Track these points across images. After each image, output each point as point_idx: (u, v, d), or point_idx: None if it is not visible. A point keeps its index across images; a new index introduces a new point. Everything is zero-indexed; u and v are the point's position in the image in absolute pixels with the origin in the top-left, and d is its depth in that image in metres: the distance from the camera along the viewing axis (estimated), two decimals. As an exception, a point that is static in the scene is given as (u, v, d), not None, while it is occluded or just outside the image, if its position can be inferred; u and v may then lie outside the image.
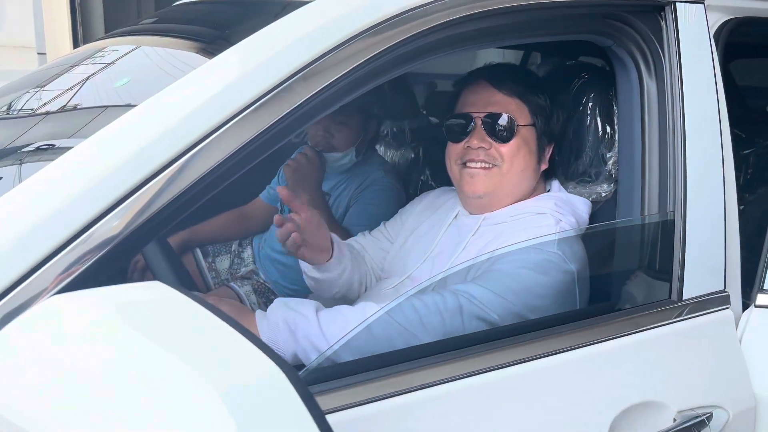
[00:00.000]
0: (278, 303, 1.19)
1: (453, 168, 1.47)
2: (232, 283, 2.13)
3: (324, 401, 0.95)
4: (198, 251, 2.24)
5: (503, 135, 1.41)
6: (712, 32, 1.32)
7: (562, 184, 1.58)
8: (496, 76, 1.46)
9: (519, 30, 1.23)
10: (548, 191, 1.53)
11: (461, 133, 1.44)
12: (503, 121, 1.41)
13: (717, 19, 1.34)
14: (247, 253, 2.24)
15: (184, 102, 0.95)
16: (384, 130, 2.34)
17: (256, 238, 2.27)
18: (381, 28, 1.04)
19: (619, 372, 1.15)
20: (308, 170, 1.93)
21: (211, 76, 0.99)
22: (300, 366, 1.14)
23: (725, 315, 1.22)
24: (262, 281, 2.16)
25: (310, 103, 1.00)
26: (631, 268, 1.27)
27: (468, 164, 1.43)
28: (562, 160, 1.60)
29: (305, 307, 1.18)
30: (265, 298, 2.12)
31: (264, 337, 1.14)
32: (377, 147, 2.35)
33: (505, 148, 1.41)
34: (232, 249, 2.26)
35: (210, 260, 2.24)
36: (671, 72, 1.24)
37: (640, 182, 1.26)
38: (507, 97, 1.44)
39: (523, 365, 1.08)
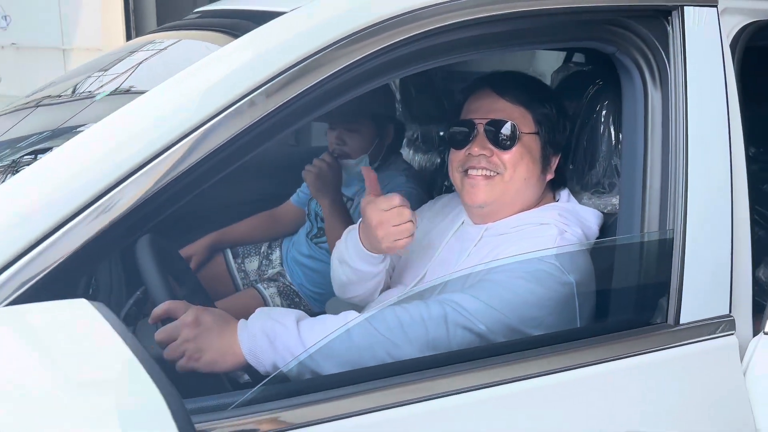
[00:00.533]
0: (259, 312, 1.20)
1: (455, 175, 1.44)
2: (258, 285, 2.17)
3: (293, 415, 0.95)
4: (228, 252, 2.29)
5: (505, 142, 1.37)
6: (730, 37, 1.24)
7: (577, 194, 1.52)
8: (500, 83, 1.42)
9: (513, 38, 1.19)
10: (557, 201, 1.48)
11: (463, 140, 1.41)
12: (505, 128, 1.37)
13: (736, 24, 1.25)
14: (276, 255, 2.28)
15: (184, 91, 0.97)
16: (414, 134, 2.32)
17: (286, 241, 2.30)
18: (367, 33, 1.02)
19: (605, 399, 1.09)
20: (328, 175, 1.94)
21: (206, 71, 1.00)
22: (282, 377, 1.13)
23: (728, 342, 1.14)
24: (288, 283, 2.18)
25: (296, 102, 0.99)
26: (626, 287, 1.20)
27: (469, 172, 1.40)
28: (576, 170, 1.54)
29: (286, 316, 1.18)
30: (290, 300, 2.15)
31: (243, 347, 1.15)
32: (407, 151, 2.34)
33: (507, 156, 1.37)
34: (262, 251, 2.30)
35: (239, 261, 2.29)
36: (676, 81, 1.17)
37: (641, 197, 1.19)
38: (510, 104, 1.40)
39: (496, 388, 1.04)
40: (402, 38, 1.04)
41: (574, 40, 1.24)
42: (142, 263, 1.26)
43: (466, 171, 1.41)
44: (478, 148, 1.38)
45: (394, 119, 2.10)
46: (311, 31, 1.01)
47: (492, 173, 1.38)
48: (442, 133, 2.23)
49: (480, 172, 1.39)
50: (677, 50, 1.17)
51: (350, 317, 1.19)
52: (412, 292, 1.38)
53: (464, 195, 1.43)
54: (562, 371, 1.07)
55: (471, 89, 1.47)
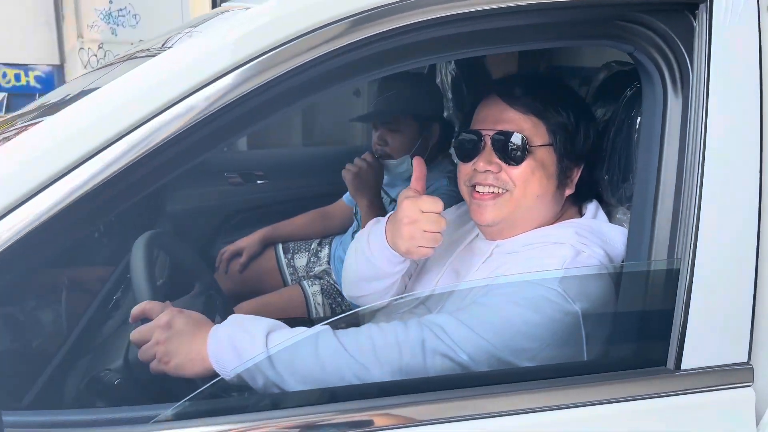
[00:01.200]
0: (231, 319, 1.16)
1: (462, 189, 1.33)
2: (303, 282, 2.17)
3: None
4: (279, 247, 2.31)
5: (514, 156, 1.24)
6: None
7: (612, 207, 1.37)
8: (509, 90, 1.28)
9: (518, 34, 1.07)
10: (582, 216, 1.33)
11: (470, 152, 1.29)
12: (515, 140, 1.24)
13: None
14: (324, 253, 2.26)
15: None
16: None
17: (336, 239, 2.28)
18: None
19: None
20: (368, 175, 1.90)
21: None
22: (246, 386, 1.10)
23: (741, 395, 0.96)
24: (332, 282, 2.16)
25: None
26: (622, 321, 1.05)
27: (476, 188, 1.29)
28: (611, 180, 1.38)
29: (256, 327, 1.14)
30: (332, 299, 2.12)
31: (210, 353, 1.12)
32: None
33: (517, 171, 1.25)
34: (312, 247, 2.30)
35: (289, 257, 2.29)
36: (697, 87, 1.00)
37: (651, 220, 1.03)
38: (521, 114, 1.26)
39: (464, 423, 0.95)
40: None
41: (585, 37, 1.09)
42: (131, 261, 1.28)
43: (473, 186, 1.30)
44: (484, 163, 1.26)
45: (440, 119, 2.00)
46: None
47: (500, 190, 1.26)
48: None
49: (487, 189, 1.27)
50: (702, 50, 1.00)
51: (323, 332, 1.13)
52: (402, 302, 1.30)
53: (471, 212, 1.32)
54: (537, 412, 0.96)
55: (479, 96, 1.35)
